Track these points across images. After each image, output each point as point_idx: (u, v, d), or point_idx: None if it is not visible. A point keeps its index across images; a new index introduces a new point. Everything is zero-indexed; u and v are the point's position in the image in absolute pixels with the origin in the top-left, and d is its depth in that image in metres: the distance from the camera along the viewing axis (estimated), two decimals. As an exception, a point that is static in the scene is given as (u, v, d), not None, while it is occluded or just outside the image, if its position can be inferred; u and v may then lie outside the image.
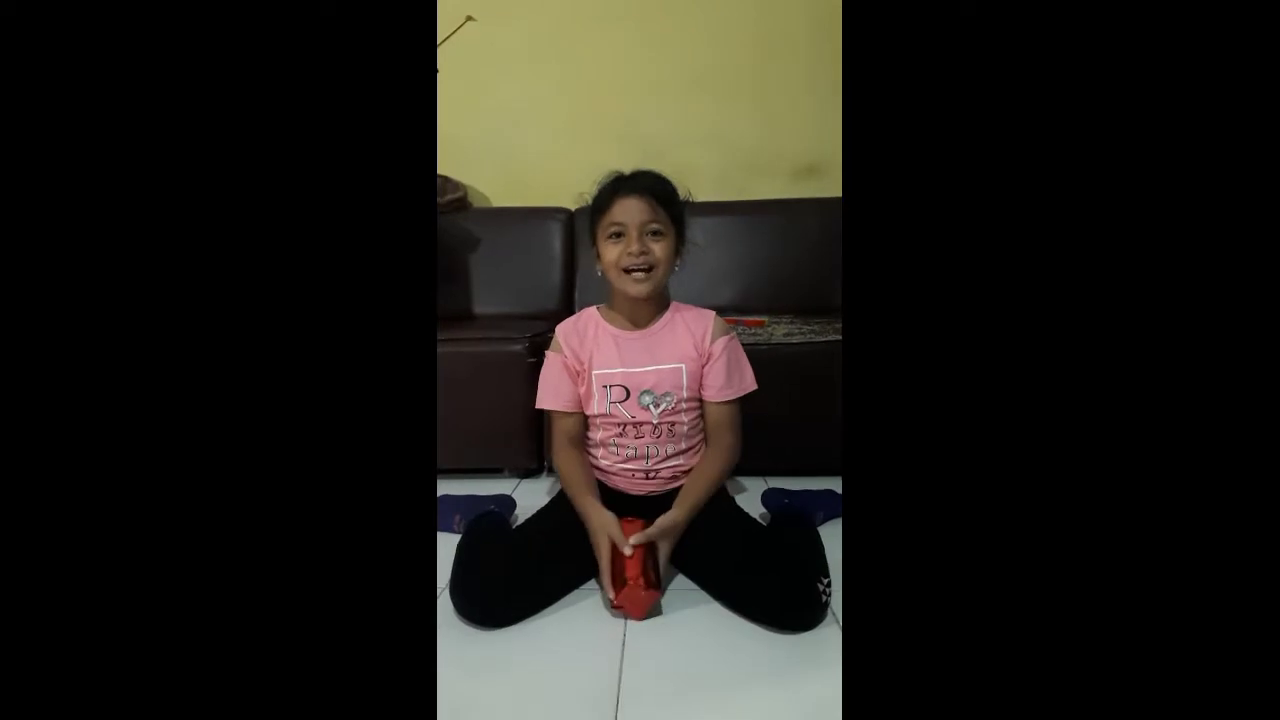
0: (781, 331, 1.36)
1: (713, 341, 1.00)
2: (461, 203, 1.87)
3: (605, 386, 0.98)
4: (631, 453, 0.99)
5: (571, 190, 1.84)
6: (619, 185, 0.96)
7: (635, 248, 0.93)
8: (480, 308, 1.80)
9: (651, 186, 0.95)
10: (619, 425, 0.99)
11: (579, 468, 0.99)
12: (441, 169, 1.86)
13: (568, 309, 1.79)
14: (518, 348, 1.32)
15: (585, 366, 1.00)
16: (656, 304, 1.01)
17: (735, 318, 1.49)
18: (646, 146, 1.89)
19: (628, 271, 0.95)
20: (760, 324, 1.42)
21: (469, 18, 1.56)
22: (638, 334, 1.00)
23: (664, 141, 1.89)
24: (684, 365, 0.99)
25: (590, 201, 0.99)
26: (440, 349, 1.30)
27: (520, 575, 0.89)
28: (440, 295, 1.72)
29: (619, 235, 0.94)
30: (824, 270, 1.68)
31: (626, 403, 0.97)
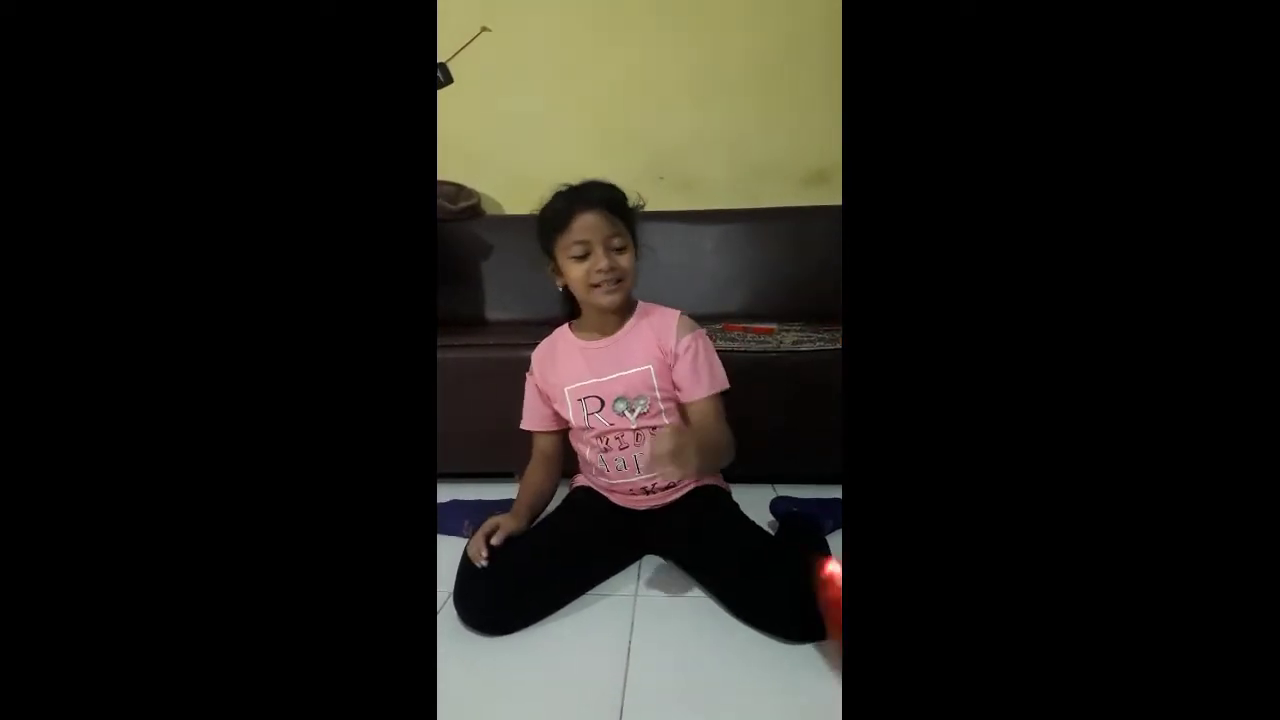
0: (790, 339, 1.36)
1: (677, 340, 0.98)
2: (474, 210, 1.89)
3: (580, 400, 0.99)
4: (620, 464, 1.00)
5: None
6: (574, 201, 0.94)
7: (604, 264, 0.93)
8: (492, 313, 1.82)
9: (607, 199, 0.94)
10: (600, 437, 0.99)
11: (533, 486, 1.03)
12: (455, 176, 1.88)
13: (576, 314, 1.80)
14: (528, 353, 1.33)
15: (554, 386, 1.02)
16: (623, 310, 1.01)
17: (744, 325, 1.50)
18: (656, 152, 1.91)
19: (597, 285, 0.94)
20: (769, 331, 1.42)
21: (484, 28, 1.58)
22: (605, 342, 1.01)
23: (674, 147, 1.90)
24: (650, 365, 0.98)
25: (541, 214, 0.97)
26: (451, 354, 1.33)
27: (526, 583, 0.89)
28: (452, 300, 1.75)
29: (584, 254, 0.93)
30: (833, 278, 1.67)
31: (603, 412, 0.99)
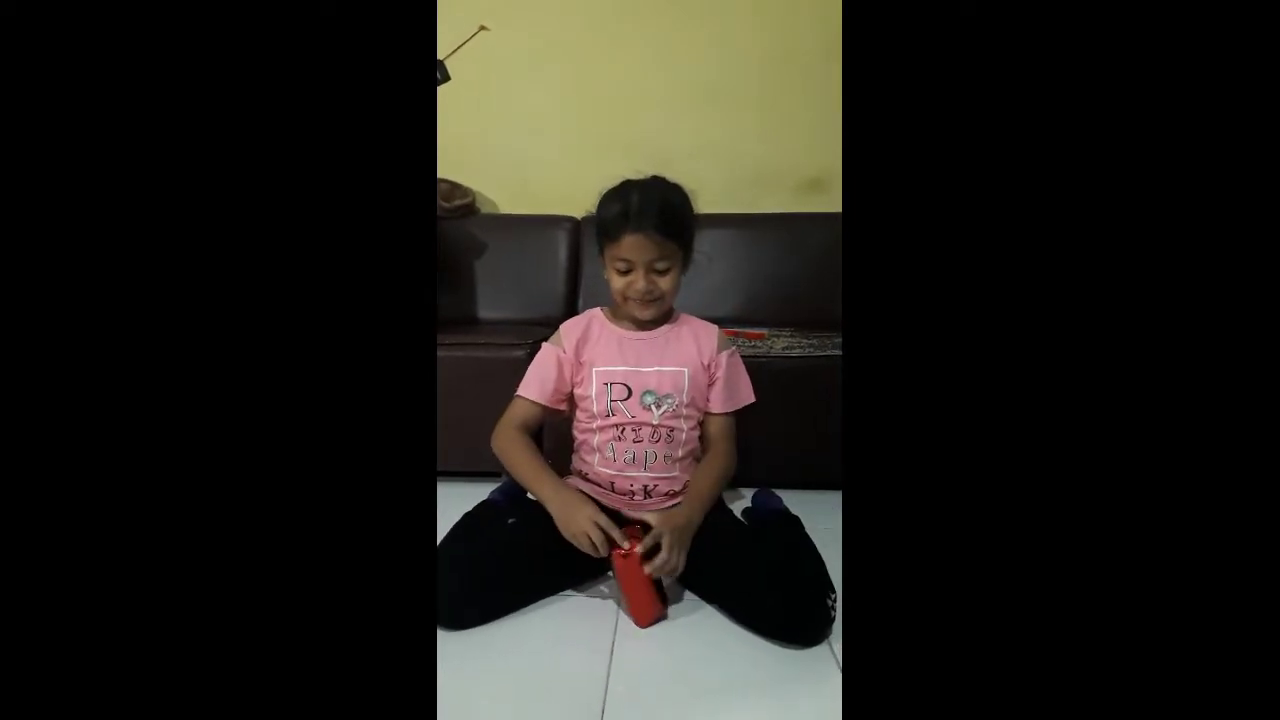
0: (781, 345, 1.37)
1: (717, 353, 1.02)
2: (469, 208, 1.89)
3: (607, 384, 0.99)
4: (629, 457, 0.98)
5: (578, 199, 1.85)
6: (628, 218, 0.92)
7: (642, 285, 0.95)
8: (484, 312, 1.82)
9: (659, 223, 0.92)
10: (618, 427, 0.98)
11: (527, 449, 0.97)
12: (451, 174, 1.88)
13: (571, 315, 1.80)
14: (520, 353, 1.33)
15: (584, 363, 1.01)
16: (660, 319, 1.03)
17: (735, 330, 1.50)
18: (653, 158, 1.91)
19: (632, 299, 0.97)
20: (760, 337, 1.43)
21: (482, 27, 1.58)
22: (643, 335, 1.02)
23: (670, 153, 1.90)
24: (686, 369, 1.00)
25: (597, 217, 0.97)
26: (443, 353, 1.32)
27: (482, 585, 0.88)
28: (445, 300, 1.74)
29: (627, 271, 0.95)
30: (825, 285, 1.69)
31: (628, 401, 0.98)
